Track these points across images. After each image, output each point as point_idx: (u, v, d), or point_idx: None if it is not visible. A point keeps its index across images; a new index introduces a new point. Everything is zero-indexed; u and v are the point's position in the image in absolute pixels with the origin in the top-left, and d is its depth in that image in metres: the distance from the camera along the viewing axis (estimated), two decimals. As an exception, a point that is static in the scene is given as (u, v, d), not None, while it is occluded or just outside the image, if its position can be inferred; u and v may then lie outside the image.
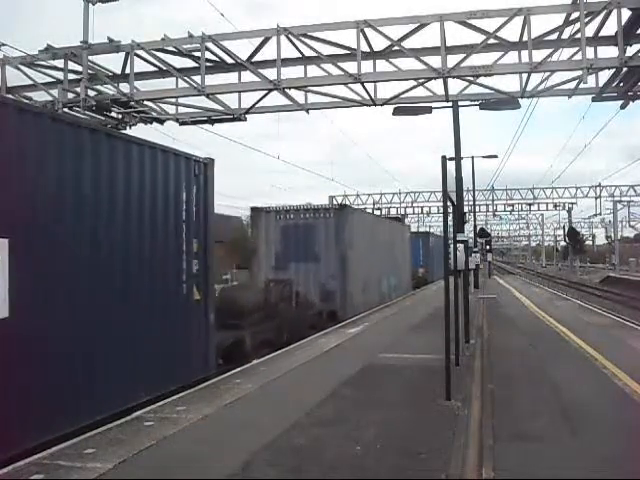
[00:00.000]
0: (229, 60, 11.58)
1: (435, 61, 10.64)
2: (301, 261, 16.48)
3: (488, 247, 40.30)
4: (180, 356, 7.96)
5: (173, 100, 12.67)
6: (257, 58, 11.35)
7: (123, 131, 13.03)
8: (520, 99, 11.48)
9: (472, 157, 26.16)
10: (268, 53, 11.16)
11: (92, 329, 6.35)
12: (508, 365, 9.43)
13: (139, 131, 12.87)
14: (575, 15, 9.97)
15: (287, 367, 9.23)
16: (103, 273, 6.65)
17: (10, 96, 12.12)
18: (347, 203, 24.33)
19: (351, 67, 10.84)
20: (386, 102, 11.98)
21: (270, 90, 11.32)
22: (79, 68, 11.53)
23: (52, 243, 5.94)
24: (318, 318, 14.96)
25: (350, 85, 11.40)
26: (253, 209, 17.74)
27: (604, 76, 11.40)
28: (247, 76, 11.68)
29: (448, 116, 12.49)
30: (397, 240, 25.17)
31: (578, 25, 9.90)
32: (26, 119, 5.80)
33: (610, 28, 10.31)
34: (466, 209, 23.78)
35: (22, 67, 11.97)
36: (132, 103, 11.86)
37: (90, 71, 11.52)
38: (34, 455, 5.17)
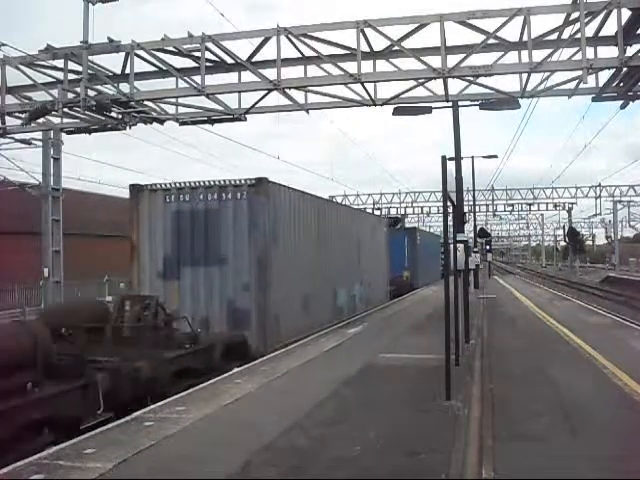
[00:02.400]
0: (229, 60, 11.57)
1: (435, 61, 10.64)
2: (200, 265, 11.34)
3: (488, 247, 40.32)
4: None
5: (173, 100, 12.66)
6: (257, 58, 11.34)
7: (123, 131, 13.07)
8: (520, 99, 11.49)
9: (472, 157, 26.15)
10: (268, 53, 11.17)
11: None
12: (508, 365, 9.43)
13: (139, 131, 12.89)
14: (575, 15, 9.96)
15: (287, 367, 9.24)
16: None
17: (10, 96, 12.17)
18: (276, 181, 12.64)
19: (351, 67, 10.83)
20: (386, 102, 11.97)
21: (270, 90, 11.32)
22: (79, 68, 11.52)
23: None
24: (204, 358, 9.33)
25: (350, 85, 11.39)
26: (132, 187, 12.16)
27: (604, 76, 11.41)
28: (247, 76, 11.67)
29: (448, 116, 12.52)
30: (365, 236, 19.46)
31: (578, 25, 9.89)
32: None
33: (610, 28, 10.31)
34: (466, 209, 23.81)
35: (22, 67, 11.96)
36: (132, 103, 11.86)
37: (90, 71, 11.50)
38: (34, 455, 5.18)
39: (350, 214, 18.91)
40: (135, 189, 12.08)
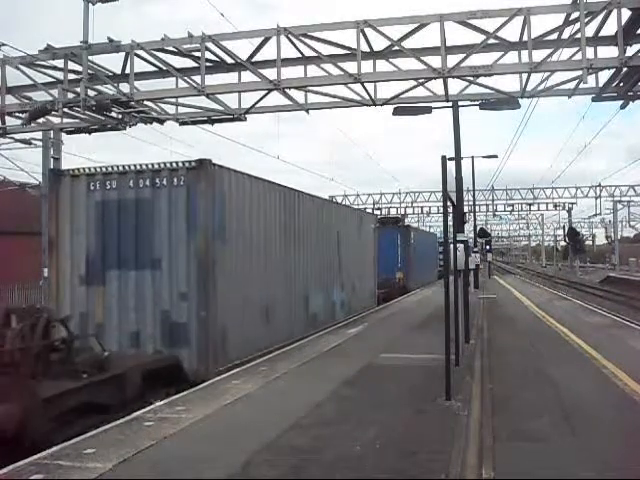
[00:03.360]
0: (229, 60, 11.57)
1: (435, 61, 10.64)
2: (129, 267, 9.35)
3: (488, 247, 40.31)
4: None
5: (173, 100, 12.67)
6: (257, 58, 11.34)
7: (123, 131, 13.08)
8: (520, 99, 11.49)
9: (472, 157, 26.16)
10: (268, 53, 11.17)
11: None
12: (508, 365, 9.43)
13: (139, 131, 12.88)
14: (575, 15, 9.96)
15: (287, 367, 9.23)
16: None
17: (10, 96, 12.17)
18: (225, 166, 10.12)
19: (351, 67, 10.83)
20: (386, 102, 11.97)
21: (270, 90, 11.31)
22: (79, 68, 11.52)
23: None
24: (113, 390, 7.21)
25: (350, 85, 11.39)
26: (51, 172, 10.74)
27: (604, 76, 11.42)
28: (247, 76, 11.68)
29: (448, 116, 12.52)
30: (348, 233, 17.25)
31: (578, 25, 9.89)
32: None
33: (610, 28, 10.32)
34: (466, 209, 23.79)
35: (22, 67, 11.96)
36: (132, 103, 11.86)
37: (90, 71, 11.50)
38: (34, 455, 5.18)
39: (329, 208, 16.25)
40: (54, 174, 10.15)
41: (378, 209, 45.91)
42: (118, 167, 9.68)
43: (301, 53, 11.15)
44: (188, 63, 11.95)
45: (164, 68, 11.77)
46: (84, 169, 9.98)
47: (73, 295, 9.60)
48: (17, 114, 12.66)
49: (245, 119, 12.68)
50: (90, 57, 11.41)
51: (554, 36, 10.49)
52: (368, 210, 42.65)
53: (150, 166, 9.50)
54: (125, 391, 7.34)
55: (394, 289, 25.33)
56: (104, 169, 9.78)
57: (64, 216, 9.81)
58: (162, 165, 9.47)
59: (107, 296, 9.41)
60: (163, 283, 9.21)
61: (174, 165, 9.43)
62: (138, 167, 9.53)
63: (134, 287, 9.32)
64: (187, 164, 9.38)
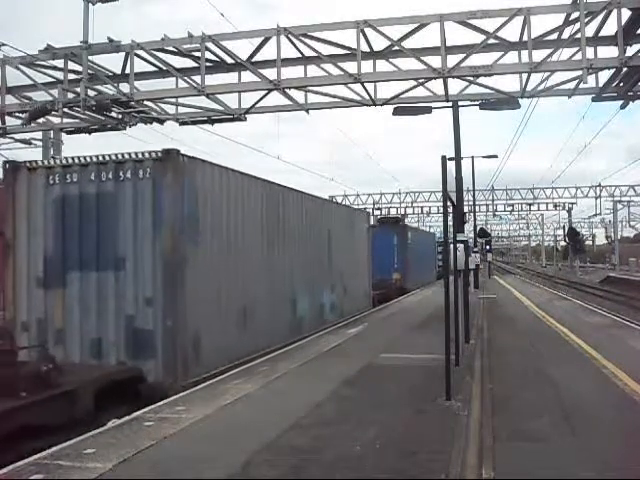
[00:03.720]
0: (229, 60, 11.58)
1: (435, 61, 10.65)
2: (91, 268, 8.48)
3: (488, 247, 40.31)
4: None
5: (173, 100, 12.68)
6: (257, 58, 11.35)
7: (123, 131, 13.08)
8: (520, 99, 11.50)
9: (472, 157, 26.17)
10: (268, 53, 11.18)
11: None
12: (508, 365, 9.43)
13: (139, 131, 12.89)
14: (575, 15, 9.97)
15: (287, 367, 9.23)
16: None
17: (10, 96, 12.17)
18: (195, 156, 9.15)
19: (351, 67, 10.84)
20: (386, 102, 11.98)
21: (270, 90, 11.32)
22: (79, 68, 11.53)
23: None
24: (57, 409, 6.09)
25: (350, 85, 11.40)
26: (6, 165, 9.31)
27: (604, 76, 11.42)
28: (247, 76, 11.69)
29: (448, 116, 12.52)
30: (340, 231, 16.32)
31: (578, 25, 9.90)
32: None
33: (610, 28, 10.33)
34: (466, 209, 23.78)
35: (22, 67, 11.97)
36: (132, 103, 11.87)
37: (90, 71, 11.51)
38: (34, 455, 5.18)
39: (318, 205, 15.02)
40: (10, 168, 9.07)
41: (378, 209, 45.94)
42: (79, 159, 8.78)
43: (301, 53, 11.16)
44: (188, 63, 11.96)
45: (164, 68, 11.78)
46: (42, 161, 9.36)
47: (30, 299, 8.71)
48: (17, 114, 12.68)
49: (245, 119, 12.69)
50: (90, 57, 11.42)
51: (554, 36, 10.50)
52: (368, 210, 42.79)
53: (113, 157, 8.67)
54: (74, 410, 6.30)
55: (391, 290, 24.66)
56: (64, 161, 9.00)
57: (21, 213, 8.94)
58: (126, 156, 8.62)
59: (67, 300, 8.53)
60: (127, 285, 8.34)
61: (139, 156, 8.55)
62: (100, 158, 8.69)
63: (96, 290, 8.45)
64: (153, 154, 8.47)
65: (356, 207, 40.46)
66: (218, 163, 9.64)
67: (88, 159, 8.69)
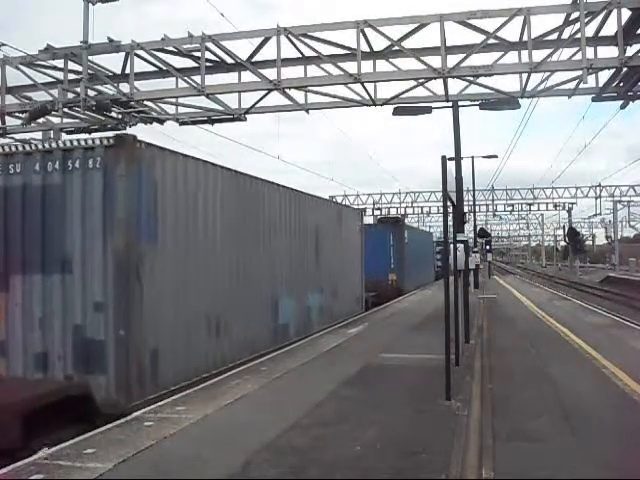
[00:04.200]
0: (229, 60, 11.58)
1: (435, 61, 10.66)
2: (35, 270, 7.52)
3: (488, 247, 40.35)
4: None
5: (173, 100, 12.68)
6: (257, 58, 11.35)
7: (123, 131, 13.08)
8: (520, 99, 11.50)
9: (472, 157, 26.21)
10: (268, 53, 11.19)
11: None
12: (508, 365, 9.43)
13: (139, 131, 12.87)
14: (575, 15, 9.97)
15: (287, 367, 9.23)
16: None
17: (10, 96, 12.17)
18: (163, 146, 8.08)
19: (351, 67, 10.84)
20: (386, 102, 11.98)
21: (270, 90, 11.32)
22: (79, 68, 11.53)
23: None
24: None
25: (350, 85, 11.40)
26: None
27: (604, 76, 11.43)
28: (247, 76, 11.69)
29: (448, 116, 12.52)
30: (329, 229, 15.35)
31: (578, 25, 9.90)
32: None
33: (610, 28, 10.33)
34: (466, 209, 23.78)
35: (22, 67, 11.97)
36: (132, 103, 11.87)
37: (90, 71, 11.52)
38: (34, 455, 5.18)
39: (304, 201, 13.69)
40: None
41: (378, 209, 45.99)
42: (23, 146, 7.82)
43: (301, 53, 11.16)
44: (188, 63, 11.96)
45: (164, 68, 11.78)
46: None
47: None
48: (17, 114, 12.68)
49: (245, 119, 12.69)
50: (90, 57, 11.43)
51: (554, 36, 10.50)
52: (368, 210, 42.75)
53: (61, 144, 7.81)
54: None
55: (386, 292, 23.57)
56: (6, 149, 7.91)
57: None
58: (75, 143, 7.67)
59: (10, 305, 7.54)
60: (75, 290, 7.31)
61: (89, 142, 7.53)
62: (47, 146, 7.87)
63: (41, 295, 7.46)
64: (105, 141, 7.43)
65: (356, 207, 40.44)
66: (183, 152, 8.61)
67: (33, 147, 7.74)
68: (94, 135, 13.56)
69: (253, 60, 11.34)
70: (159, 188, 7.86)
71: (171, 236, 8.12)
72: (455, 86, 11.88)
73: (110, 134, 7.65)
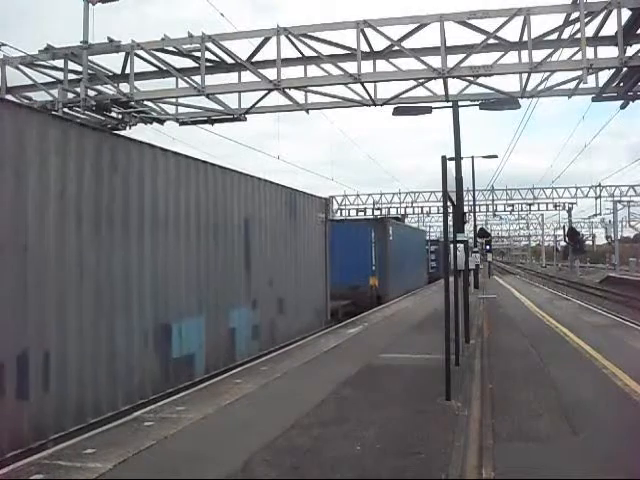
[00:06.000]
0: (229, 60, 11.57)
1: (435, 61, 10.64)
2: None
3: (488, 247, 40.32)
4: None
5: (173, 100, 12.66)
6: (257, 58, 11.34)
7: (123, 131, 13.07)
8: (520, 99, 11.47)
9: (472, 157, 26.14)
10: (268, 53, 11.17)
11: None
12: (508, 365, 9.44)
13: (140, 132, 12.87)
14: (575, 15, 9.96)
15: (287, 367, 9.23)
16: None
17: (10, 96, 12.15)
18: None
19: (351, 67, 10.83)
20: (386, 102, 11.97)
21: (270, 90, 11.31)
22: (79, 68, 11.52)
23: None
24: None
25: (350, 85, 11.39)
26: None
27: (604, 76, 11.41)
28: (247, 76, 11.67)
29: (448, 116, 12.51)
30: (268, 221, 12.22)
31: (578, 25, 9.89)
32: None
33: (610, 28, 10.32)
34: (466, 209, 23.75)
35: (22, 67, 11.95)
36: (132, 103, 11.85)
37: (90, 71, 11.50)
38: (34, 455, 5.18)
39: (226, 181, 10.55)
40: None
41: (378, 209, 45.94)
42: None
43: (301, 53, 11.15)
44: (188, 63, 11.94)
45: (164, 68, 11.76)
46: None
47: None
48: (17, 114, 12.65)
49: (245, 119, 12.67)
50: (90, 57, 11.41)
51: (554, 36, 10.49)
52: (368, 211, 42.65)
53: None
54: None
55: (364, 299, 19.88)
56: None
57: None
58: None
59: None
60: None
61: None
62: None
63: None
64: None
65: (356, 207, 40.37)
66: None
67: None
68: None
69: (253, 60, 11.32)
70: (30, 164, 6.00)
71: (27, 240, 5.85)
72: (455, 86, 11.87)
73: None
